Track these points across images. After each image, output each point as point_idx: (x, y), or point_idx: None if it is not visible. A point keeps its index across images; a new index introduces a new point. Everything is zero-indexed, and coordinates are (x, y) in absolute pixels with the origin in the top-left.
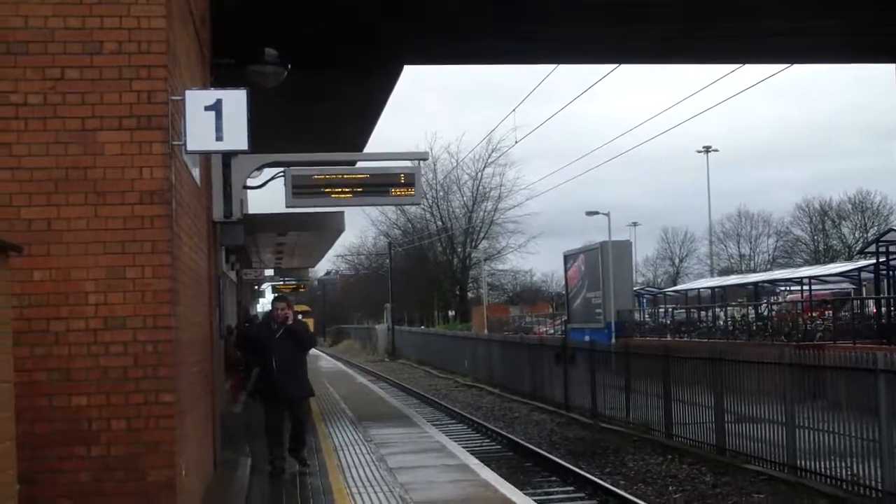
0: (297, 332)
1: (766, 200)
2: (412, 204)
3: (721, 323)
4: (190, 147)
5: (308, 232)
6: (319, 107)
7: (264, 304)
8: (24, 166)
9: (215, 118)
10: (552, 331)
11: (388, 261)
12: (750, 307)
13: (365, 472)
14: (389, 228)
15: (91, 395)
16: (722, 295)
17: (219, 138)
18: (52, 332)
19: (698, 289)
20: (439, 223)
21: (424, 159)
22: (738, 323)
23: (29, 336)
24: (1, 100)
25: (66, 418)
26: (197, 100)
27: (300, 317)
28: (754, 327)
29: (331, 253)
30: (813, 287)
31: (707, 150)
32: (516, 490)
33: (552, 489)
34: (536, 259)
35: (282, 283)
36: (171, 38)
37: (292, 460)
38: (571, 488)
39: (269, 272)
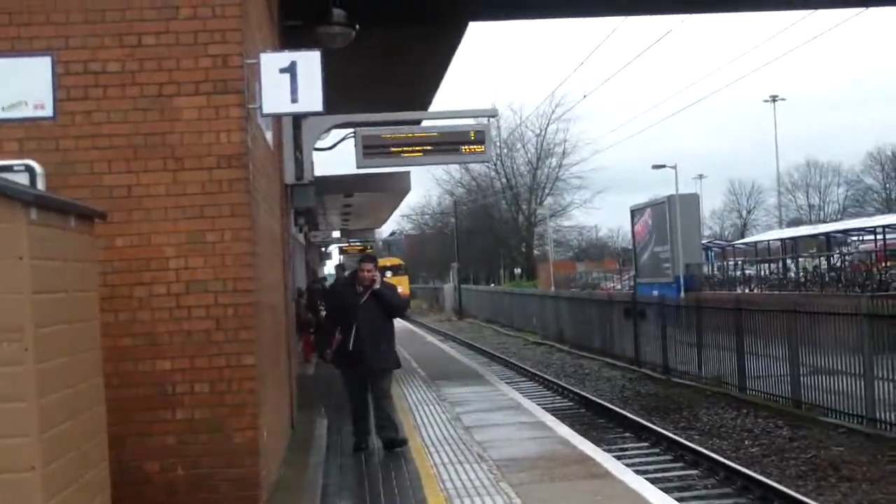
0: (384, 296)
1: (835, 149)
2: (483, 161)
3: (792, 275)
4: (266, 110)
5: (374, 192)
6: (385, 66)
7: (330, 265)
8: (103, 133)
9: (290, 80)
10: (619, 286)
11: (453, 220)
12: (822, 258)
13: (441, 431)
14: (454, 187)
15: (175, 359)
16: (792, 246)
17: (294, 100)
18: (135, 297)
19: (767, 241)
20: (504, 180)
21: (494, 116)
22: (809, 274)
23: (113, 302)
24: (80, 68)
25: (151, 383)
26: (271, 62)
27: (388, 274)
28: (827, 278)
29: (396, 213)
30: (887, 236)
31: (774, 99)
32: (595, 447)
33: (626, 445)
34: (602, 214)
35: (348, 244)
36: (244, 2)
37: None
38: (646, 444)
39: (335, 234)
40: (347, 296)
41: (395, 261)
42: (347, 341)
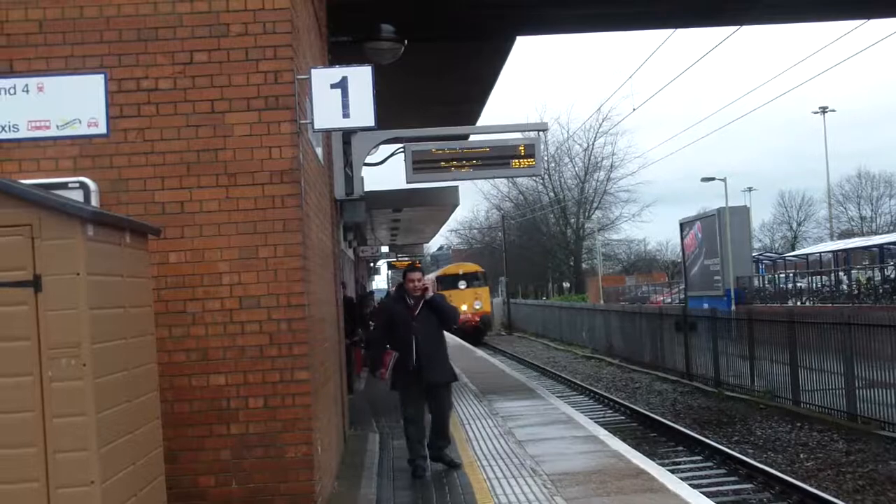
0: (439, 306)
1: (887, 161)
2: (532, 175)
3: (845, 287)
4: (317, 125)
5: (423, 207)
6: (433, 82)
7: (378, 280)
8: (156, 150)
9: (341, 96)
10: (669, 300)
11: (500, 234)
12: (876, 269)
13: (494, 445)
14: (501, 201)
15: (229, 374)
16: (844, 258)
17: (345, 115)
18: (188, 312)
19: (819, 253)
20: (551, 194)
21: (544, 130)
22: (863, 286)
23: (167, 317)
24: (133, 85)
25: (205, 397)
26: (323, 78)
27: (462, 285)
28: (881, 290)
29: (444, 228)
30: None
31: (824, 110)
32: (649, 461)
33: (679, 459)
34: (650, 228)
35: (396, 259)
36: (294, 18)
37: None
38: (699, 458)
39: (384, 249)
40: (398, 310)
41: (473, 267)
42: (409, 358)
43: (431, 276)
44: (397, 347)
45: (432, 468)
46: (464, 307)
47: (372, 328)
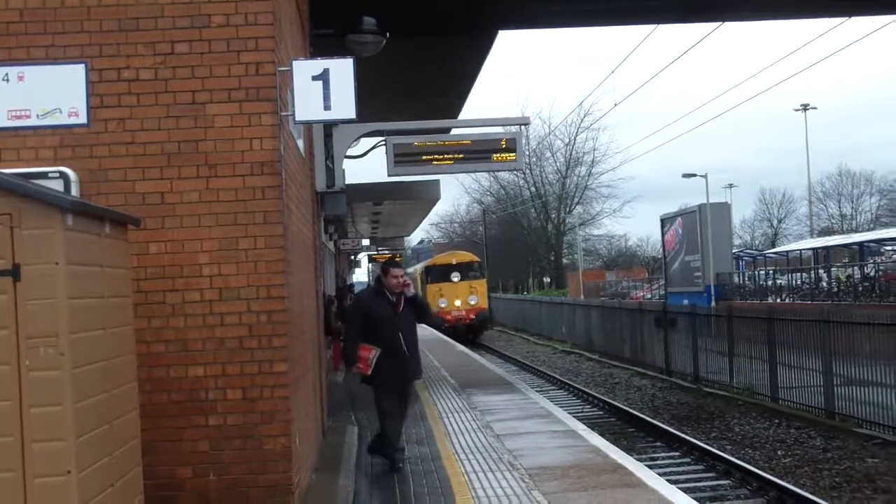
0: (421, 303)
1: (868, 159)
2: (514, 170)
3: (824, 284)
4: (298, 117)
5: (404, 200)
6: (415, 75)
7: (359, 273)
8: (137, 141)
9: (322, 88)
10: (649, 295)
11: (481, 228)
12: (855, 267)
13: (472, 439)
14: (482, 196)
15: (207, 365)
16: (825, 256)
17: (326, 108)
18: (168, 303)
19: (799, 250)
20: (532, 189)
21: (526, 124)
22: (843, 284)
23: (146, 308)
24: (113, 76)
25: (184, 388)
26: (304, 70)
27: (455, 277)
28: (860, 288)
29: (425, 222)
30: None
31: (805, 108)
32: (627, 456)
33: (657, 454)
34: (631, 223)
35: (376, 252)
36: (276, 10)
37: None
38: (677, 453)
39: (364, 242)
40: (378, 306)
41: (468, 256)
42: (399, 354)
43: (419, 267)
44: (379, 343)
45: (411, 462)
46: (457, 302)
47: (347, 322)
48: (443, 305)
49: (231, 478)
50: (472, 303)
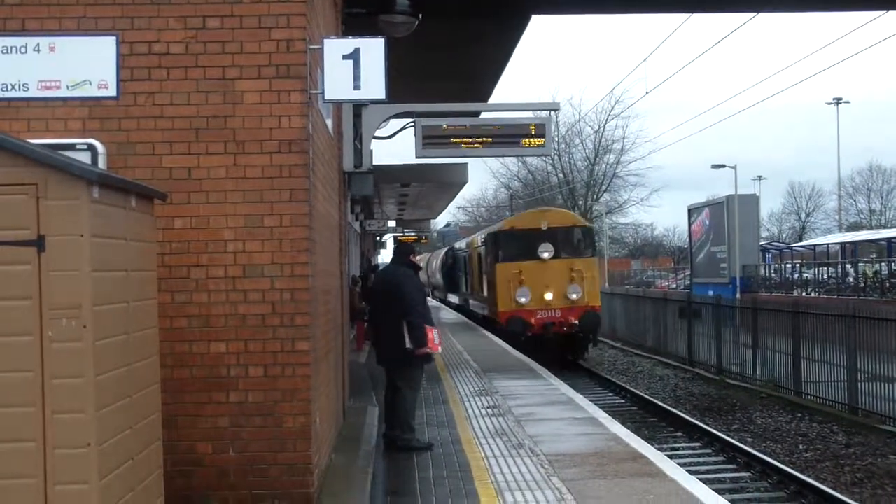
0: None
1: None
2: (542, 155)
3: (851, 279)
4: (328, 96)
5: (431, 183)
6: (446, 57)
7: (384, 255)
8: (165, 115)
9: (353, 67)
10: (674, 285)
11: (508, 213)
12: (883, 263)
13: (492, 423)
14: (510, 180)
15: (230, 341)
16: (852, 251)
17: (356, 87)
18: (192, 279)
19: (827, 244)
20: (560, 175)
21: (556, 110)
22: (869, 280)
23: (170, 283)
24: (144, 49)
25: (206, 364)
26: (335, 49)
27: (545, 254)
28: (887, 284)
29: (451, 205)
30: None
31: (838, 101)
32: (648, 445)
33: (678, 444)
34: (658, 213)
35: (402, 234)
36: None
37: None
38: (698, 444)
39: (391, 223)
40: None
41: (567, 217)
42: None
43: (479, 236)
44: (430, 322)
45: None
46: (548, 295)
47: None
48: (522, 301)
49: (250, 455)
50: (574, 297)
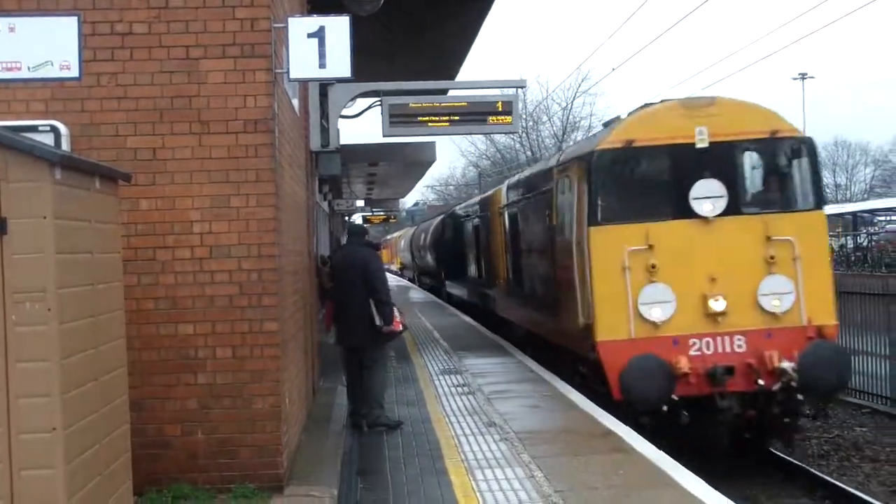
0: None
1: (863, 129)
2: (510, 132)
3: None
4: (293, 75)
5: (399, 162)
6: (412, 35)
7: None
8: (129, 96)
9: (318, 45)
10: None
11: (477, 192)
12: (848, 237)
13: (462, 401)
14: (479, 159)
15: (197, 323)
16: None
17: (322, 66)
18: (158, 260)
19: None
20: (529, 153)
21: (522, 87)
22: (835, 253)
23: (136, 265)
24: (107, 29)
25: (173, 346)
26: (300, 27)
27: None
28: (853, 258)
29: (420, 184)
30: None
31: (803, 77)
32: (618, 422)
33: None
34: None
35: (371, 213)
36: None
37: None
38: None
39: (359, 203)
40: None
41: (757, 116)
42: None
43: (523, 177)
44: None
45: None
46: (716, 303)
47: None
48: (657, 316)
49: (219, 437)
50: (779, 306)
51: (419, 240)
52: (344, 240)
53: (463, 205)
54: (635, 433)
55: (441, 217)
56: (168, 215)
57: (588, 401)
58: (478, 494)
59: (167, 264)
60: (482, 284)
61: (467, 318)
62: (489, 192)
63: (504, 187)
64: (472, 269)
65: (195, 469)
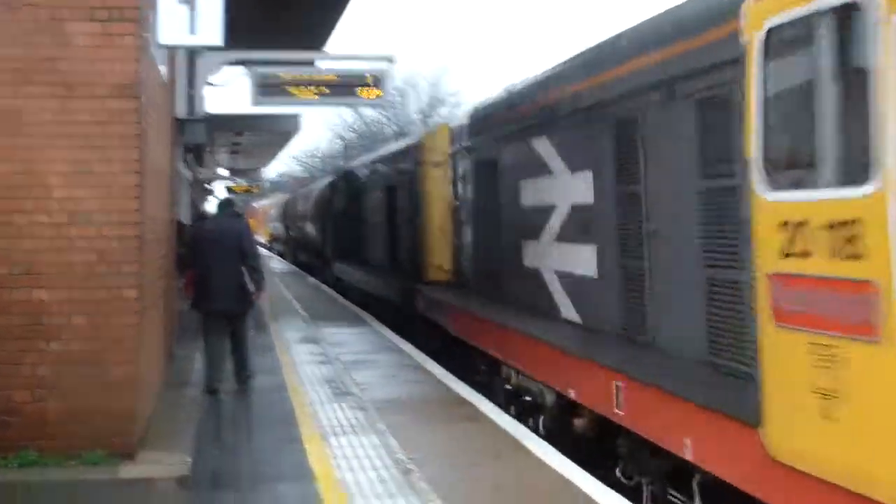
0: None
1: None
2: (380, 106)
3: None
4: (162, 41)
5: (263, 132)
6: (281, 4)
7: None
8: None
9: (189, 11)
10: None
11: (342, 164)
12: None
13: (320, 370)
14: (345, 131)
15: (53, 289)
16: None
17: (192, 32)
18: (15, 224)
19: None
20: (395, 127)
21: (391, 61)
22: None
23: None
24: None
25: (26, 312)
26: None
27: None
28: None
29: (286, 155)
30: None
31: None
32: (473, 391)
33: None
34: None
35: (234, 183)
36: None
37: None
38: None
39: (221, 171)
40: None
41: None
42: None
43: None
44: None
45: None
46: None
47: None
48: None
49: (72, 404)
50: None
51: (296, 207)
52: (209, 210)
53: (364, 159)
54: (488, 402)
55: (330, 180)
56: (27, 178)
57: (446, 371)
58: (332, 461)
59: (24, 228)
60: (402, 273)
61: (326, 288)
62: (414, 139)
63: (456, 126)
64: (380, 250)
65: (44, 436)
